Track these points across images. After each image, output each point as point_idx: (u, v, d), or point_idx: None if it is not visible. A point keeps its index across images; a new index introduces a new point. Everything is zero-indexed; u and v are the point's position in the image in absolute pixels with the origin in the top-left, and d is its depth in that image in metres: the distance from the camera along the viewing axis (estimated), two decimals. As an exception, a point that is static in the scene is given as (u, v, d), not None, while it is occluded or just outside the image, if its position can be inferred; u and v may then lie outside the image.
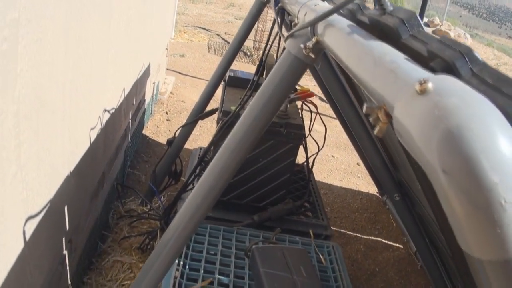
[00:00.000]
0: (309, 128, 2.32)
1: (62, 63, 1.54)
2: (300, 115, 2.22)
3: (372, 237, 3.38)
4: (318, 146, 2.45)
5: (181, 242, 1.37)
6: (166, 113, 4.84)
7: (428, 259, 2.29)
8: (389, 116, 0.54)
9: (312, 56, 1.05)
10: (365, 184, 4.20)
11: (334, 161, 4.55)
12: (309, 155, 2.43)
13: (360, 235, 3.37)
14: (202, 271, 1.78)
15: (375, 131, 0.55)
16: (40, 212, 1.50)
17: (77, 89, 1.78)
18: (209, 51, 7.60)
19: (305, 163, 2.48)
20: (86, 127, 2.03)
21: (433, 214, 1.84)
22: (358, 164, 4.53)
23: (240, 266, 1.86)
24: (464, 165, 0.38)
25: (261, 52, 3.95)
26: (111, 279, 2.40)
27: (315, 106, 2.33)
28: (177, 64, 6.57)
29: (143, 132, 4.30)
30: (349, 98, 2.01)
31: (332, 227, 2.41)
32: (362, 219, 3.59)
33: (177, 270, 1.75)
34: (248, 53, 7.63)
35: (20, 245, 1.37)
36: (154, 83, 4.58)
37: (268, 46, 1.97)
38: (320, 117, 2.32)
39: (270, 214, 2.09)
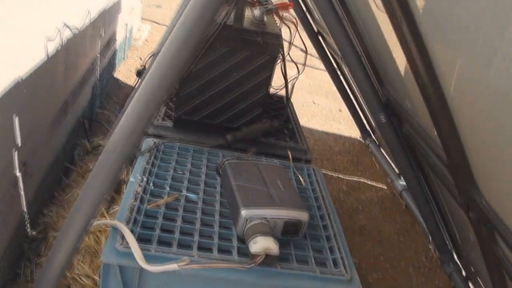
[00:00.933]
0: (288, 47, 2.13)
1: None
2: (279, 28, 2.03)
3: (355, 178, 3.25)
4: (298, 70, 2.27)
5: (125, 153, 1.18)
6: (140, 58, 4.62)
7: (415, 188, 2.14)
8: None
9: None
10: (347, 129, 4.05)
11: (315, 107, 4.38)
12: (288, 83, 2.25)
13: (342, 176, 3.23)
14: (168, 188, 1.60)
15: None
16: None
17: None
18: (187, 3, 7.31)
19: (283, 87, 2.29)
20: (42, 34, 1.82)
21: (426, 130, 1.69)
22: (340, 110, 4.37)
23: (211, 185, 1.69)
24: None
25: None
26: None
27: (295, 23, 2.14)
28: (153, 15, 6.32)
29: (116, 76, 4.08)
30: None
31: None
32: (344, 161, 3.45)
33: (139, 186, 1.57)
34: None
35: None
36: (126, 25, 4.34)
37: None
38: (300, 35, 2.14)
39: (245, 134, 1.92)
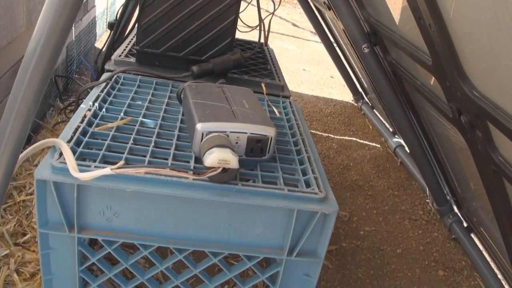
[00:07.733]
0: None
1: None
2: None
3: (346, 137, 3.07)
4: (274, 5, 2.10)
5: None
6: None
7: (406, 129, 1.97)
8: None
9: None
10: (339, 93, 3.87)
11: (306, 73, 4.20)
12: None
13: (332, 135, 3.05)
14: (122, 115, 1.44)
15: None
16: None
17: None
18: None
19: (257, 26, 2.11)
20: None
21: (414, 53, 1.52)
22: (332, 76, 4.19)
23: (172, 113, 1.52)
24: None
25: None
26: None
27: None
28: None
29: (97, 46, 3.92)
30: None
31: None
32: (335, 122, 3.27)
33: (89, 110, 1.40)
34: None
35: None
36: (107, -4, 4.20)
37: None
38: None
39: (213, 65, 1.74)
